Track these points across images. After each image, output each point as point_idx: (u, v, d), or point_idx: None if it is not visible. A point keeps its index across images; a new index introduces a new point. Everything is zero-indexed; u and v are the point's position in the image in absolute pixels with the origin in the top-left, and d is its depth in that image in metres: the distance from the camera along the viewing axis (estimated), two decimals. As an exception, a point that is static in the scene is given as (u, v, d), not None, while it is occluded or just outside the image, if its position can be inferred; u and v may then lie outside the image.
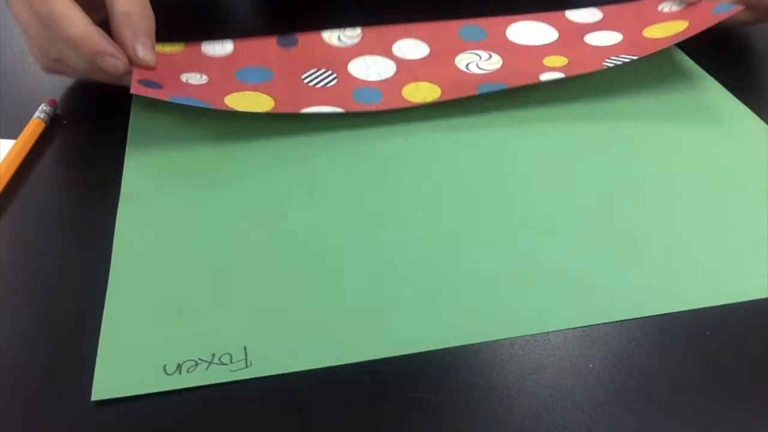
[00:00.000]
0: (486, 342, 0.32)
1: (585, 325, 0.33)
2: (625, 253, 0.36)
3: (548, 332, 0.33)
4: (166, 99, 0.42)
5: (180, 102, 0.42)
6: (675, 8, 0.52)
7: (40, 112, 0.46)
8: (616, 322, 0.33)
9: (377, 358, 0.31)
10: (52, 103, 0.47)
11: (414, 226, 0.38)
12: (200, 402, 0.30)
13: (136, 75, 0.43)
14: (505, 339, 0.32)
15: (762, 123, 0.45)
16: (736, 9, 0.47)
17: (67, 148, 0.44)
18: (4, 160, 0.42)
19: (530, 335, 0.33)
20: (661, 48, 0.47)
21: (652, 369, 0.31)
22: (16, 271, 0.36)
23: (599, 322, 0.33)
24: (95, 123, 0.46)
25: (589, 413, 0.30)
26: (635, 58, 0.47)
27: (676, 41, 0.47)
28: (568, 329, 0.33)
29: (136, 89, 0.42)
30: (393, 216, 0.39)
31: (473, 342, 0.32)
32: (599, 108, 0.46)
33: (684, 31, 0.48)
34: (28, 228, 0.39)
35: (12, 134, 0.44)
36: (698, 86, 0.48)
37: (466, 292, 0.34)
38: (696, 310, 0.34)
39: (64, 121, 0.47)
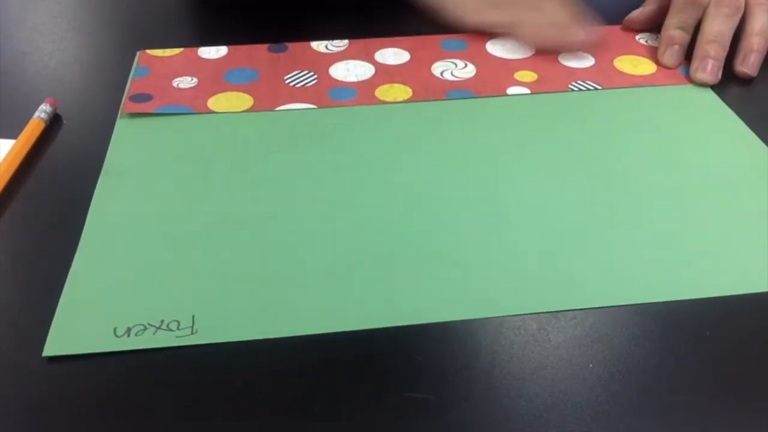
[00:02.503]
0: (485, 342, 0.32)
1: (579, 308, 0.34)
2: (625, 243, 0.37)
3: (549, 332, 0.33)
4: (153, 111, 0.46)
5: (164, 111, 0.46)
6: (651, 42, 0.54)
7: (40, 112, 0.46)
8: (617, 322, 0.33)
9: (329, 331, 0.32)
10: (52, 103, 0.47)
11: (389, 202, 0.39)
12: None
13: (131, 91, 0.48)
14: (505, 339, 0.32)
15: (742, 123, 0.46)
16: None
17: (67, 148, 0.44)
18: (4, 160, 0.42)
19: (530, 337, 0.33)
20: (624, 86, 0.49)
21: (652, 369, 0.31)
22: (16, 271, 0.36)
23: (594, 306, 0.34)
24: (95, 123, 0.46)
25: (589, 413, 0.30)
26: (599, 88, 0.49)
27: (640, 85, 0.49)
28: (568, 329, 0.33)
29: (128, 107, 0.47)
30: (366, 195, 0.40)
31: (428, 321, 0.33)
32: (596, 108, 0.47)
33: (651, 75, 0.50)
34: (28, 228, 0.39)
35: (12, 134, 0.44)
36: (695, 98, 0.49)
37: (439, 269, 0.35)
38: (696, 310, 0.34)
39: (64, 121, 0.47)
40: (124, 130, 0.45)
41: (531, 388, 0.30)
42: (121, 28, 0.58)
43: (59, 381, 0.31)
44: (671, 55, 0.51)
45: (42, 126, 0.45)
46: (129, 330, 0.32)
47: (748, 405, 0.30)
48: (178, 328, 0.32)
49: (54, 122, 0.46)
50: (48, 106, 0.46)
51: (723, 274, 0.35)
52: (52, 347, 0.32)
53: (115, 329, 0.32)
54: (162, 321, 0.33)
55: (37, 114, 0.45)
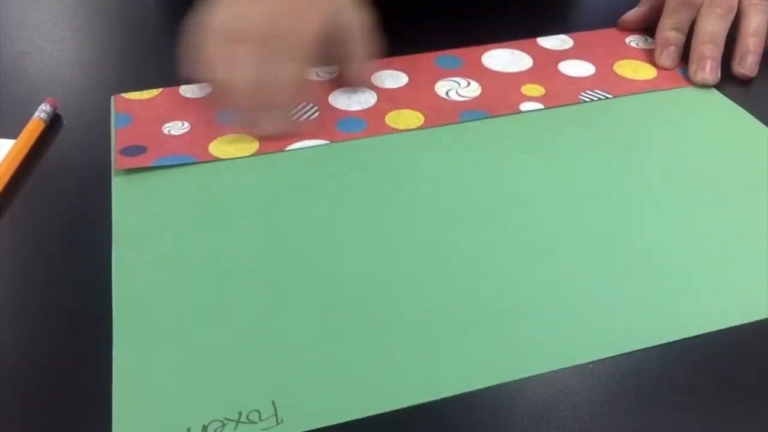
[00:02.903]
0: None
1: (597, 359, 0.32)
2: (637, 277, 0.35)
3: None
4: (150, 164, 0.42)
5: (164, 164, 0.42)
6: (642, 45, 0.54)
7: (40, 112, 0.46)
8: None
9: (415, 404, 0.30)
10: (52, 103, 0.47)
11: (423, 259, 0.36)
12: None
13: (118, 144, 0.44)
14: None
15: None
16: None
17: (67, 148, 0.44)
18: (4, 160, 0.42)
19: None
20: (632, 93, 0.49)
21: (652, 369, 0.31)
22: (16, 272, 0.36)
23: (613, 355, 0.32)
24: (95, 123, 0.46)
25: (589, 413, 0.30)
26: (610, 96, 0.48)
27: (645, 91, 0.49)
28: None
29: (121, 163, 0.42)
30: (405, 235, 0.38)
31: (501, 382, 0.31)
32: (606, 126, 0.46)
33: (653, 80, 0.50)
34: (28, 228, 0.39)
35: (12, 134, 0.44)
36: (706, 100, 0.49)
37: (498, 327, 0.33)
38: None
39: (65, 121, 0.47)
40: (123, 189, 0.41)
41: (531, 388, 0.30)
42: (122, 29, 0.58)
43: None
44: (668, 57, 0.51)
45: (42, 126, 0.45)
46: (205, 428, 0.28)
47: (747, 405, 0.30)
48: (260, 419, 0.29)
49: (54, 122, 0.46)
50: (48, 106, 0.46)
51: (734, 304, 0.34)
52: None
53: (189, 430, 0.28)
54: (240, 413, 0.29)
55: (37, 114, 0.45)
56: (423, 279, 0.35)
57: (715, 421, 0.29)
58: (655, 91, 0.49)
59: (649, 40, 0.54)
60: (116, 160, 0.42)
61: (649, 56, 0.52)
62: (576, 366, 0.31)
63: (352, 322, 0.33)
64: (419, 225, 0.38)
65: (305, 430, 0.29)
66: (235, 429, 0.28)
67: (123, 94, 0.48)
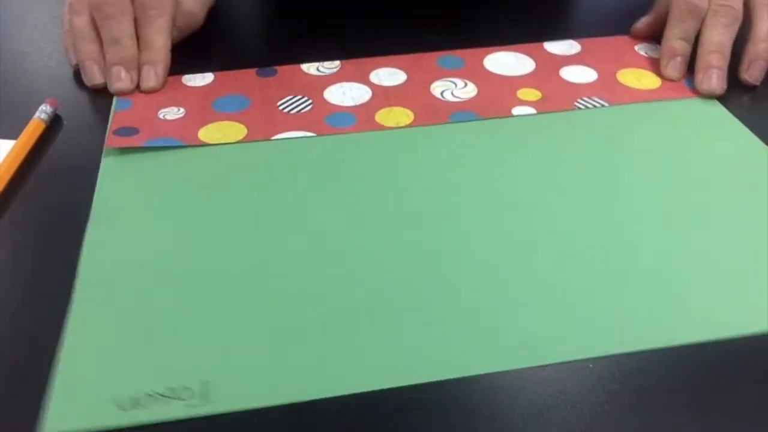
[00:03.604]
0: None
1: (582, 358, 0.32)
2: (630, 282, 0.35)
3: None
4: (140, 145, 0.44)
5: (152, 145, 0.44)
6: (650, 53, 0.53)
7: (40, 112, 0.46)
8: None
9: (352, 392, 0.30)
10: (52, 103, 0.47)
11: (396, 250, 0.37)
12: None
13: (114, 125, 0.45)
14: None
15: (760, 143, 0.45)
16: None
17: (67, 148, 0.44)
18: (4, 160, 0.42)
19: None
20: (631, 102, 0.48)
21: (653, 369, 0.31)
22: (17, 272, 0.36)
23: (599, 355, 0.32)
24: (95, 123, 0.46)
25: (589, 413, 0.30)
26: (606, 105, 0.48)
27: (645, 100, 0.48)
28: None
29: (112, 141, 0.44)
30: (378, 229, 0.38)
31: (449, 377, 0.31)
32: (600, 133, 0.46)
33: (656, 89, 0.49)
34: (28, 228, 0.39)
35: (12, 134, 0.44)
36: (704, 112, 0.48)
37: (450, 322, 0.33)
38: (696, 310, 0.34)
39: (64, 121, 0.47)
40: (110, 168, 0.42)
41: (531, 388, 0.30)
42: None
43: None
44: (674, 67, 0.50)
45: (42, 126, 0.45)
46: (136, 401, 0.29)
47: (747, 405, 0.30)
48: (190, 397, 0.30)
49: (54, 122, 0.46)
50: (48, 107, 0.46)
51: (731, 315, 0.34)
52: (55, 423, 0.29)
53: (120, 401, 0.29)
54: (172, 389, 0.30)
55: (37, 114, 0.45)
56: (387, 269, 0.36)
57: (715, 421, 0.29)
58: (654, 101, 0.48)
59: (659, 48, 0.52)
60: (108, 139, 0.44)
61: (656, 65, 0.51)
62: (576, 366, 0.31)
63: (303, 312, 0.34)
64: (390, 220, 0.39)
65: (232, 410, 0.29)
66: (164, 404, 0.29)
67: None
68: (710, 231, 0.38)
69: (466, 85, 0.50)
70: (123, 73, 0.48)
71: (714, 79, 0.48)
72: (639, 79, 0.50)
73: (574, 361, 0.31)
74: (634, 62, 0.52)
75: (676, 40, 0.51)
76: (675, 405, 0.30)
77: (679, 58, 0.50)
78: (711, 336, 0.32)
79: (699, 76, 0.49)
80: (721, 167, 0.42)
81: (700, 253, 0.37)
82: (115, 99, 0.48)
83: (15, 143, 0.43)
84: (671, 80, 0.50)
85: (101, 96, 0.48)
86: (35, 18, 0.59)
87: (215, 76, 0.51)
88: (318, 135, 0.45)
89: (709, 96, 0.48)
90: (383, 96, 0.49)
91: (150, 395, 0.30)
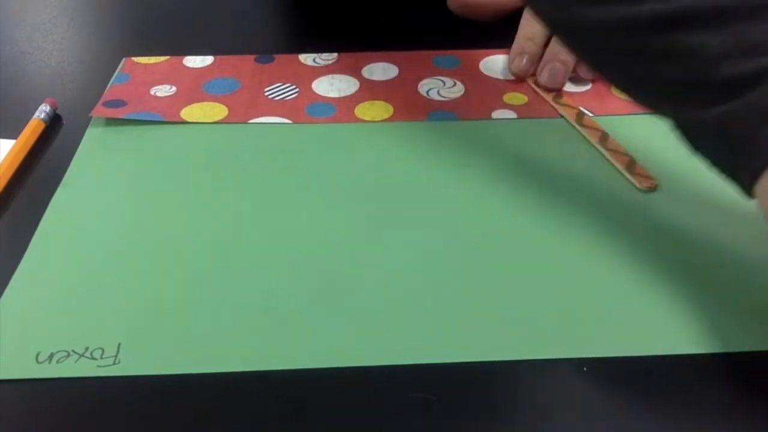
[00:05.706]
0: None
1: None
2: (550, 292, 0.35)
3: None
4: (122, 116, 0.45)
5: (133, 118, 0.45)
6: None
7: (40, 112, 0.46)
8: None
9: (265, 369, 0.31)
10: (52, 103, 0.47)
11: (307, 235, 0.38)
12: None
13: (105, 97, 0.47)
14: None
15: None
16: None
17: (67, 148, 0.44)
18: (4, 160, 0.42)
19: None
20: (617, 114, 0.47)
21: (652, 369, 0.31)
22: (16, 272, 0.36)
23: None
24: (95, 123, 0.46)
25: (589, 413, 0.30)
26: (590, 115, 0.47)
27: (631, 113, 0.46)
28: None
29: (98, 111, 0.46)
30: (330, 219, 0.39)
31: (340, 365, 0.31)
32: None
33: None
34: (28, 228, 0.38)
35: (12, 134, 0.44)
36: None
37: (355, 311, 0.34)
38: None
39: (64, 121, 0.47)
40: (93, 138, 0.44)
41: (531, 387, 0.30)
42: (122, 29, 0.58)
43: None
44: (522, 64, 0.50)
45: (42, 126, 0.45)
46: (52, 356, 0.31)
47: (747, 405, 0.30)
48: (101, 357, 0.31)
49: (54, 122, 0.46)
50: (48, 106, 0.46)
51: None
52: None
53: (37, 354, 0.31)
54: (86, 348, 0.31)
55: (37, 114, 0.45)
56: (312, 251, 0.37)
57: (715, 421, 0.29)
58: (640, 114, 0.46)
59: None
60: (95, 108, 0.46)
61: None
62: (576, 366, 0.31)
63: (228, 289, 0.34)
64: (330, 208, 0.39)
65: (140, 374, 0.31)
66: (76, 361, 0.31)
67: (133, 58, 0.52)
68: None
69: (455, 84, 0.50)
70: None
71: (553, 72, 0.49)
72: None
73: (571, 360, 0.32)
74: None
75: (527, 40, 0.51)
76: (675, 405, 0.30)
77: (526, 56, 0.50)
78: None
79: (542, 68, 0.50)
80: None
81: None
82: (116, 73, 0.50)
83: (15, 143, 0.43)
84: (518, 76, 0.50)
85: (101, 96, 0.48)
86: (35, 18, 0.59)
87: (215, 59, 0.52)
88: (294, 122, 0.46)
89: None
90: (368, 90, 0.49)
91: (66, 352, 0.31)
